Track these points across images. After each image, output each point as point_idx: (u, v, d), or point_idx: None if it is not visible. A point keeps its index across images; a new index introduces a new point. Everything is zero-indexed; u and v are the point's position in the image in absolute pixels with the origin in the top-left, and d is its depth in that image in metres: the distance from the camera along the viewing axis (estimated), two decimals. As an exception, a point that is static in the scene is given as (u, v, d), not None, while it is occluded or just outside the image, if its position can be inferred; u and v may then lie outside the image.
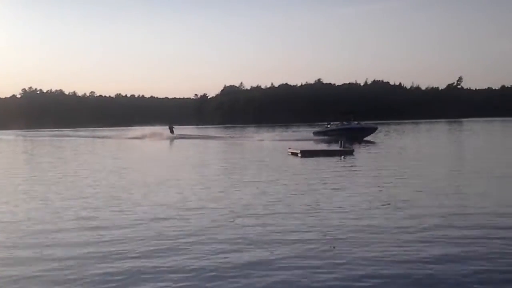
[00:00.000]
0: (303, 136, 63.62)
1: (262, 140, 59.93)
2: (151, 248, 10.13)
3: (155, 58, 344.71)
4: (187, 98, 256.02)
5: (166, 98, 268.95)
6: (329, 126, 61.76)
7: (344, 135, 48.83)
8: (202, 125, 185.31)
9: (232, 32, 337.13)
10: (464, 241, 10.20)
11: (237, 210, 14.09)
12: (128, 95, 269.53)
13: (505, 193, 16.52)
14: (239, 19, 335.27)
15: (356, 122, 60.09)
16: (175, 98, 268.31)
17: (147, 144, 59.48)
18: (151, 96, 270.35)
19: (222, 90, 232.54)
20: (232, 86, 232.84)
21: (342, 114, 63.73)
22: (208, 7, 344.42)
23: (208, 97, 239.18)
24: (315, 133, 62.97)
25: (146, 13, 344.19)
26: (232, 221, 12.65)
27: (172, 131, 76.93)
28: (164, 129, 77.37)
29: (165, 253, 9.72)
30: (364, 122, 63.26)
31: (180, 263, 9.09)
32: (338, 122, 61.33)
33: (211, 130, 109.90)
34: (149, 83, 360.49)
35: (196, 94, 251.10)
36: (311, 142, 53.13)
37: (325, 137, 57.26)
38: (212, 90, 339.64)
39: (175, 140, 66.65)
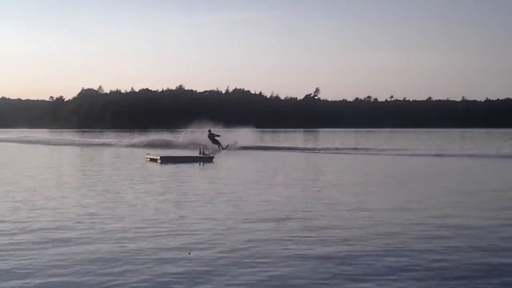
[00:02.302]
0: None
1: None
2: None
3: (5, 58, 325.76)
4: (41, 100, 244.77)
5: (19, 99, 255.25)
6: None
7: None
8: (57, 128, 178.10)
9: (91, 34, 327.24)
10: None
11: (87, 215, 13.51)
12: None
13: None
14: (100, 20, 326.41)
15: None
16: (28, 100, 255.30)
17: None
18: (2, 97, 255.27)
19: (79, 93, 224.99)
20: (90, 89, 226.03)
21: None
22: (64, 8, 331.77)
23: (65, 100, 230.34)
24: None
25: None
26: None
27: (214, 141, 49.08)
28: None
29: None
30: None
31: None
32: None
33: (69, 134, 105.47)
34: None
35: (51, 97, 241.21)
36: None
37: None
38: (69, 93, 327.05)
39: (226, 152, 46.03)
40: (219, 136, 49.65)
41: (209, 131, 50.05)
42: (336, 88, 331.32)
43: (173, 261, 9.27)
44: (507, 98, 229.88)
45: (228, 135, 51.24)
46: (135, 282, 8.10)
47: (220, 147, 48.73)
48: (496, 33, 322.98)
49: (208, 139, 48.77)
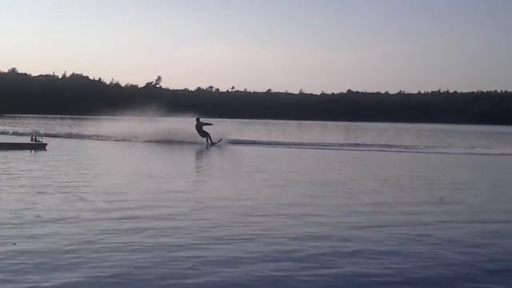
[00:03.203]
0: None
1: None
2: None
3: None
4: None
5: None
6: None
7: None
8: None
9: None
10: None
11: None
12: None
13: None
14: None
15: None
16: None
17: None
18: None
19: None
20: None
21: None
22: None
23: None
24: None
25: None
26: None
27: (203, 132, 40.68)
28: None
29: None
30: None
31: None
32: None
33: None
34: None
35: None
36: None
37: None
38: None
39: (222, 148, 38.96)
40: (210, 124, 41.20)
41: (197, 119, 41.14)
42: (179, 77, 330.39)
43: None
44: (340, 92, 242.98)
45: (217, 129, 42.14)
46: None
47: (209, 140, 40.37)
48: (336, 33, 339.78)
49: (195, 130, 40.78)
